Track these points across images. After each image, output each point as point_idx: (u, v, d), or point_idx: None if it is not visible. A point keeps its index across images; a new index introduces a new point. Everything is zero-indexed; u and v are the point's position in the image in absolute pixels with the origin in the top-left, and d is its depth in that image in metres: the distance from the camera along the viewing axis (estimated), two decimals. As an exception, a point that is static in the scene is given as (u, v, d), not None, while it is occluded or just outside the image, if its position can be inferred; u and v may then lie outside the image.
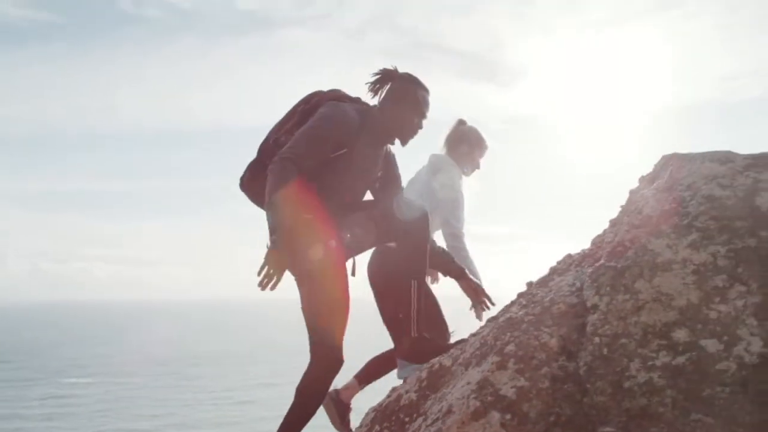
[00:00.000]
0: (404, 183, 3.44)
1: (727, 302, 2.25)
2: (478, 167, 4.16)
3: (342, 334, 2.93)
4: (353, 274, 3.10)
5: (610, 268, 2.48)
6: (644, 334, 2.28)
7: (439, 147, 4.19)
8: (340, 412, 3.57)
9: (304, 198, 2.85)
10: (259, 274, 2.68)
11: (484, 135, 4.16)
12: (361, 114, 3.05)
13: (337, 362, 2.91)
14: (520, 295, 2.93)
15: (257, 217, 3.01)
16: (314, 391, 2.96)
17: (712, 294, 2.28)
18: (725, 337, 2.19)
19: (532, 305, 2.61)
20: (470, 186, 4.12)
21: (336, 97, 3.10)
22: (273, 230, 2.75)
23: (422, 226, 3.08)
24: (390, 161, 3.26)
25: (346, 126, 2.97)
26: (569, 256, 3.04)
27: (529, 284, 2.99)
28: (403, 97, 3.09)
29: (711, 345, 2.18)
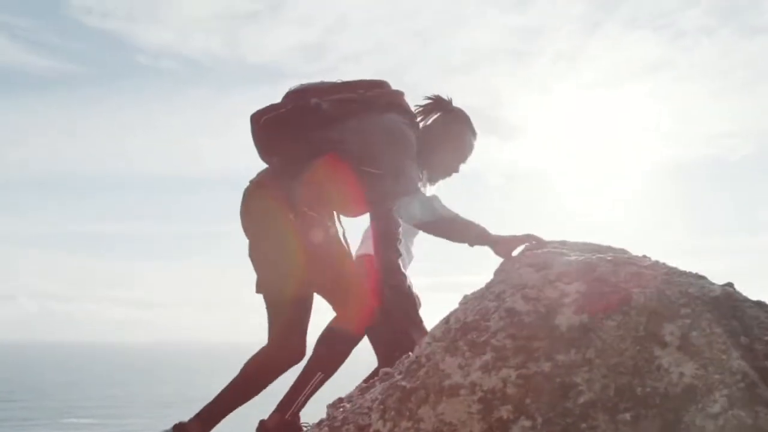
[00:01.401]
0: None
1: (509, 438, 1.97)
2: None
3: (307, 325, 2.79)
4: None
5: (399, 388, 2.21)
6: (418, 471, 2.00)
7: None
8: None
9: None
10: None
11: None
12: (416, 142, 2.80)
13: (302, 351, 2.73)
14: (345, 398, 2.66)
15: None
16: (263, 371, 2.75)
17: (495, 427, 2.00)
18: (499, 483, 1.90)
19: (325, 423, 2.35)
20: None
21: (398, 102, 2.83)
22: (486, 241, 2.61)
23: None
24: None
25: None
26: (408, 356, 2.77)
27: (356, 389, 2.72)
28: (450, 136, 2.87)
29: (483, 491, 1.90)
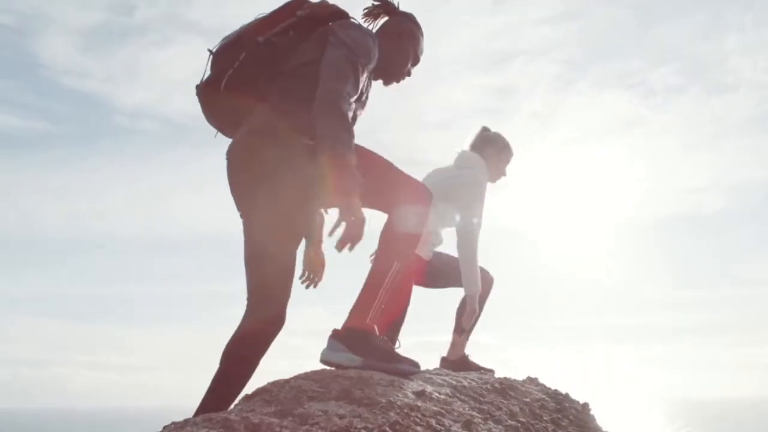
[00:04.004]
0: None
1: None
2: (504, 174, 3.98)
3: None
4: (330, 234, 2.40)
5: None
6: None
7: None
8: None
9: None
10: (347, 241, 2.17)
11: (510, 142, 4.02)
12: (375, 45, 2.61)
13: (281, 317, 2.36)
14: None
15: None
16: (249, 348, 2.34)
17: None
18: None
19: None
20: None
21: (341, 12, 2.62)
22: (348, 190, 2.19)
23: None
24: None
25: (373, 61, 2.56)
26: None
27: None
28: (401, 36, 2.76)
29: None
